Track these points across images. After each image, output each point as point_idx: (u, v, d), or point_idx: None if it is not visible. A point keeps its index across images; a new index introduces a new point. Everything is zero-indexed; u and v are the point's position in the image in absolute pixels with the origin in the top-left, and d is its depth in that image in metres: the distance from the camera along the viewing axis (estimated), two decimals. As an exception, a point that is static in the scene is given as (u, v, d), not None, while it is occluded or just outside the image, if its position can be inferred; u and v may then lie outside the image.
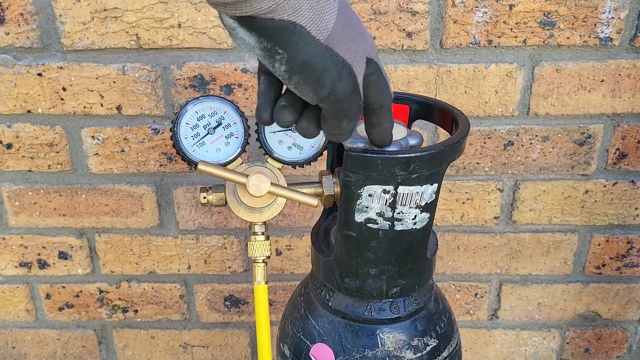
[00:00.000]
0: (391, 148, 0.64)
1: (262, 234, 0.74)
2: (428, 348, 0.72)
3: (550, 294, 1.23)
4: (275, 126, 0.72)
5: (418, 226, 0.66)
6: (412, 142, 0.67)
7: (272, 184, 0.68)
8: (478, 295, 1.23)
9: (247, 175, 0.68)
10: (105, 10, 0.99)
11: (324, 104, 0.52)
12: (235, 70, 1.03)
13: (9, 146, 1.09)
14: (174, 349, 1.30)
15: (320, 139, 0.73)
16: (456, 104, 1.05)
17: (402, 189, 0.62)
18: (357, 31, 0.50)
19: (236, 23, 0.46)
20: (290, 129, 0.73)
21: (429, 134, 1.07)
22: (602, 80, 1.04)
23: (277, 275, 1.22)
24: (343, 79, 0.49)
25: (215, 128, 0.72)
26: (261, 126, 0.72)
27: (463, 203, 1.14)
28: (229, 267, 1.21)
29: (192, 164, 0.71)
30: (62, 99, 1.05)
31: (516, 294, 1.23)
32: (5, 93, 1.05)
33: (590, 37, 1.01)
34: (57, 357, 1.31)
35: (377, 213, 0.64)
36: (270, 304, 1.24)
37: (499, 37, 1.01)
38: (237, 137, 0.72)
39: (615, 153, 1.09)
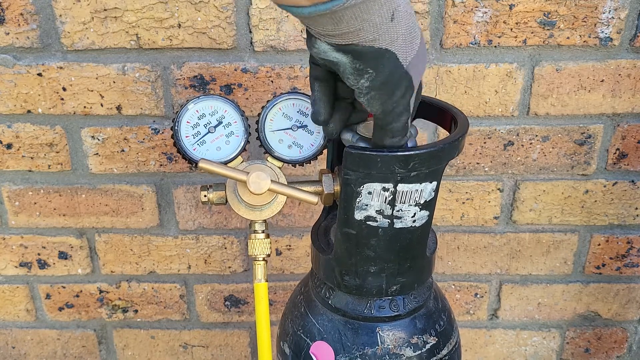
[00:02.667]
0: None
1: (262, 232, 0.74)
2: (427, 346, 0.72)
3: (550, 294, 1.23)
4: (275, 125, 0.73)
5: (417, 224, 0.66)
6: (409, 143, 0.67)
7: (272, 181, 0.68)
8: (478, 295, 1.23)
9: (248, 173, 0.68)
10: (105, 10, 0.99)
11: (381, 115, 0.59)
12: (235, 70, 1.03)
13: (9, 146, 1.09)
14: (174, 349, 1.30)
15: (320, 138, 0.73)
16: (456, 104, 1.05)
17: (401, 187, 0.62)
18: (424, 55, 0.57)
19: (333, 48, 0.53)
20: (290, 129, 0.73)
21: (429, 133, 1.08)
22: (602, 80, 1.04)
23: (277, 275, 1.22)
24: (405, 97, 0.57)
25: (215, 127, 0.72)
26: (261, 125, 0.72)
27: (463, 203, 1.14)
28: (229, 267, 1.21)
29: (192, 162, 0.71)
30: (62, 99, 1.05)
31: (516, 294, 1.23)
32: (5, 93, 1.05)
33: (590, 37, 1.01)
34: (57, 357, 1.31)
35: (376, 211, 0.64)
36: (270, 304, 1.24)
37: (499, 37, 1.01)
38: (237, 136, 0.72)
39: (615, 153, 1.09)
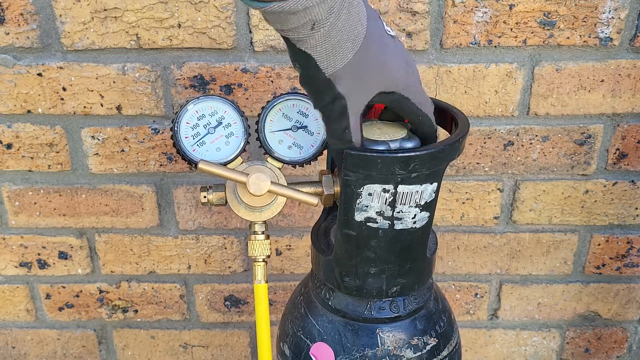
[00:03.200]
0: (392, 146, 0.65)
1: (262, 233, 0.74)
2: (428, 347, 0.72)
3: (550, 294, 1.23)
4: (275, 126, 0.72)
5: (418, 225, 0.66)
6: (409, 144, 0.67)
7: (272, 182, 0.68)
8: (478, 295, 1.23)
9: (248, 174, 0.68)
10: (105, 10, 0.99)
11: (322, 117, 0.63)
12: (235, 70, 1.03)
13: (9, 146, 1.09)
14: (174, 349, 1.30)
15: (320, 138, 0.73)
16: (456, 104, 1.05)
17: (401, 188, 0.62)
18: (375, 69, 0.59)
19: (280, 32, 0.57)
20: (290, 129, 0.73)
21: (429, 133, 1.07)
22: (602, 80, 1.04)
23: (277, 275, 1.22)
24: (334, 105, 0.59)
25: (215, 127, 0.72)
26: (261, 126, 0.72)
27: (463, 203, 1.14)
28: (229, 267, 1.21)
29: (192, 163, 0.71)
30: (62, 99, 1.05)
31: (516, 294, 1.23)
32: (5, 93, 1.05)
33: (590, 37, 1.01)
34: (57, 357, 1.31)
35: (376, 212, 0.64)
36: (270, 304, 1.24)
37: (499, 37, 1.01)
38: (237, 137, 0.72)
39: (615, 153, 1.09)
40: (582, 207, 1.14)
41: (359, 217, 0.64)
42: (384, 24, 0.60)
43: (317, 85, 0.58)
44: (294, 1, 0.50)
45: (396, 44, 0.61)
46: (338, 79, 0.57)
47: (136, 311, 1.25)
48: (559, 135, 1.08)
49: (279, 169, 0.73)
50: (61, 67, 1.03)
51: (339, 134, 0.61)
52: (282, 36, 0.57)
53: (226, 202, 0.73)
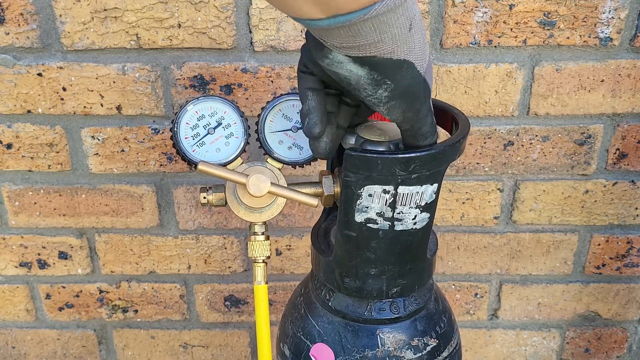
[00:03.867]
0: (392, 147, 0.65)
1: (262, 234, 0.74)
2: (428, 348, 0.72)
3: (550, 294, 1.23)
4: (275, 126, 0.72)
5: (418, 226, 0.66)
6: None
7: (272, 184, 0.68)
8: (478, 295, 1.23)
9: (247, 175, 0.68)
10: (105, 10, 0.99)
11: (406, 124, 0.59)
12: (235, 70, 1.03)
13: (9, 146, 1.09)
14: (174, 349, 1.30)
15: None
16: (456, 104, 1.05)
17: (402, 189, 0.62)
18: (430, 58, 0.56)
19: (349, 59, 0.51)
20: (290, 130, 0.73)
21: (429, 134, 1.07)
22: (602, 80, 1.04)
23: (277, 275, 1.22)
24: (426, 102, 0.57)
25: (215, 128, 0.71)
26: (261, 126, 0.72)
27: (463, 203, 1.14)
28: (229, 267, 1.21)
29: (192, 164, 0.71)
30: (62, 99, 1.05)
31: (516, 294, 1.23)
32: (5, 93, 1.05)
33: (590, 37, 1.01)
34: (57, 357, 1.31)
35: (377, 213, 0.64)
36: (270, 304, 1.24)
37: (499, 37, 1.01)
38: (237, 137, 0.72)
39: (615, 153, 1.09)
40: (582, 207, 1.14)
41: (359, 218, 0.64)
42: None
43: (412, 91, 0.55)
44: (391, 3, 0.45)
45: None
46: (427, 75, 0.55)
47: (136, 311, 1.25)
48: (559, 135, 1.08)
49: (279, 169, 0.73)
50: (61, 67, 1.03)
51: (429, 131, 0.61)
52: (360, 61, 0.51)
53: (226, 202, 0.73)
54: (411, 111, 0.57)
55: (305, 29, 0.57)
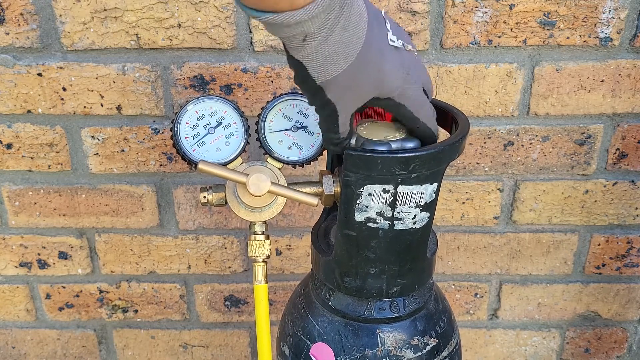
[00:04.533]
0: (392, 146, 0.65)
1: (262, 233, 0.74)
2: (428, 347, 0.72)
3: (550, 294, 1.23)
4: (275, 126, 0.72)
5: (418, 225, 0.66)
6: (409, 145, 0.67)
7: (272, 183, 0.68)
8: (478, 295, 1.23)
9: (247, 175, 0.68)
10: (105, 10, 0.99)
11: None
12: (235, 70, 1.03)
13: (9, 146, 1.09)
14: (174, 349, 1.30)
15: (320, 139, 0.73)
16: (456, 104, 1.05)
17: (402, 189, 0.62)
18: (368, 80, 0.60)
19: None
20: (290, 129, 0.73)
21: (429, 133, 1.07)
22: (602, 80, 1.04)
23: (277, 275, 1.22)
24: (325, 109, 0.61)
25: (215, 128, 0.72)
26: (261, 126, 0.72)
27: (463, 203, 1.14)
28: (229, 267, 1.21)
29: (192, 163, 0.71)
30: (62, 99, 1.05)
31: (516, 294, 1.23)
32: (5, 93, 1.05)
33: (590, 37, 1.01)
34: (57, 357, 1.31)
35: (377, 212, 0.64)
36: (270, 304, 1.24)
37: (499, 37, 1.01)
38: (237, 137, 0.72)
39: (615, 153, 1.09)
40: (582, 207, 1.14)
41: (359, 217, 0.64)
42: (390, 32, 0.61)
43: (308, 89, 0.60)
44: (286, 15, 0.52)
45: (399, 53, 0.62)
46: (329, 87, 0.59)
47: (136, 311, 1.25)
48: (559, 135, 1.08)
49: (279, 169, 0.73)
50: (61, 67, 1.03)
51: (328, 134, 0.63)
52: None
53: (226, 202, 0.73)
54: (312, 105, 0.62)
55: None
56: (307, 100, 0.71)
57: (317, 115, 0.64)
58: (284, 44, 0.58)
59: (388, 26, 0.61)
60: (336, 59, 0.57)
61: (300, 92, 0.72)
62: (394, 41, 0.61)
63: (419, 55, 0.65)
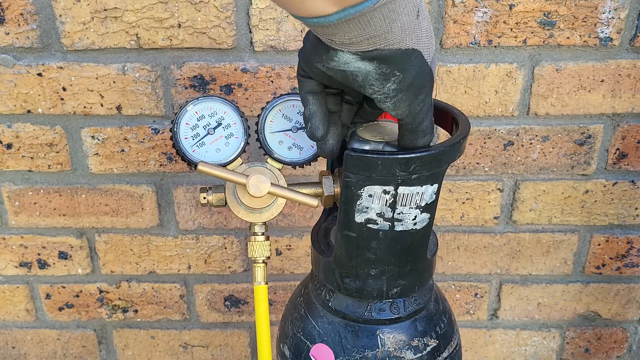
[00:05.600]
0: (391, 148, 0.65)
1: (262, 234, 0.74)
2: (428, 348, 0.72)
3: (550, 294, 1.23)
4: (275, 126, 0.72)
5: (418, 226, 0.66)
6: None
7: (272, 184, 0.68)
8: (478, 295, 1.23)
9: (247, 176, 0.68)
10: (105, 10, 0.99)
11: (410, 117, 0.58)
12: (235, 70, 1.03)
13: (9, 146, 1.09)
14: (174, 349, 1.30)
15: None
16: (456, 104, 1.05)
17: (402, 190, 0.62)
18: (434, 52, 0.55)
19: (356, 57, 0.51)
20: (290, 130, 0.73)
21: (429, 134, 1.07)
22: (602, 80, 1.04)
23: (277, 275, 1.22)
24: (430, 94, 0.56)
25: (215, 128, 0.71)
26: (261, 126, 0.72)
27: (463, 203, 1.14)
28: (229, 267, 1.21)
29: (191, 164, 0.71)
30: (62, 99, 1.05)
31: (516, 294, 1.23)
32: (5, 93, 1.05)
33: (590, 37, 1.01)
34: (57, 357, 1.31)
35: (377, 213, 0.64)
36: (270, 304, 1.24)
37: (499, 37, 1.01)
38: (236, 138, 0.72)
39: (615, 153, 1.09)
40: (582, 207, 1.14)
41: (359, 218, 0.64)
42: None
43: (419, 81, 0.54)
44: None
45: None
46: (433, 65, 0.55)
47: (136, 311, 1.25)
48: (559, 135, 1.08)
49: (279, 169, 0.73)
50: (61, 67, 1.03)
51: (429, 127, 0.59)
52: (367, 56, 0.51)
53: (226, 203, 0.73)
54: (417, 103, 0.56)
55: (306, 31, 0.57)
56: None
57: (420, 117, 0.58)
58: (378, 56, 0.50)
59: None
60: (431, 28, 0.52)
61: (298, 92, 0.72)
62: None
63: None
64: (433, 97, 0.93)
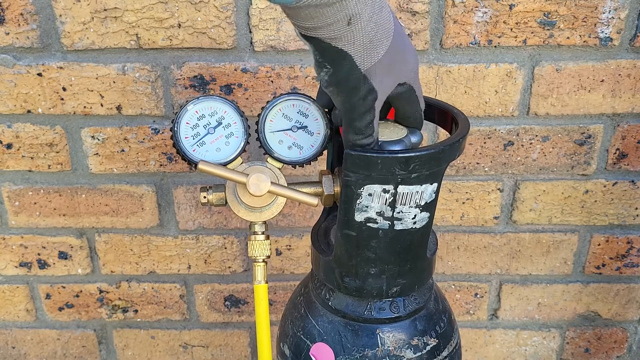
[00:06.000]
0: (393, 147, 0.65)
1: (262, 233, 0.74)
2: (428, 347, 0.72)
3: (550, 294, 1.23)
4: (275, 126, 0.72)
5: (418, 225, 0.66)
6: (414, 139, 0.68)
7: (272, 183, 0.68)
8: (478, 295, 1.23)
9: (247, 175, 0.68)
10: (105, 10, 0.99)
11: (343, 112, 0.61)
12: (235, 70, 1.03)
13: (9, 146, 1.09)
14: (174, 349, 1.30)
15: (320, 139, 0.73)
16: (456, 104, 1.05)
17: (402, 189, 0.62)
18: (399, 61, 0.59)
19: (301, 35, 0.56)
20: (290, 129, 0.73)
21: (429, 133, 1.07)
22: (602, 80, 1.04)
23: (277, 275, 1.22)
24: (366, 100, 0.59)
25: (215, 128, 0.71)
26: (261, 126, 0.72)
27: (463, 203, 1.14)
28: (229, 267, 1.21)
29: (192, 163, 0.71)
30: (62, 99, 1.05)
31: (516, 294, 1.23)
32: (5, 93, 1.05)
33: (590, 37, 1.01)
34: (57, 357, 1.31)
35: (377, 212, 0.64)
36: (270, 304, 1.24)
37: (499, 37, 1.01)
38: (237, 137, 0.72)
39: (615, 153, 1.09)
40: (582, 207, 1.14)
41: (359, 217, 0.64)
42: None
43: (350, 82, 0.57)
44: None
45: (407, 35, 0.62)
46: (372, 74, 0.57)
47: (136, 311, 1.25)
48: (559, 135, 1.08)
49: (279, 169, 0.73)
50: (61, 67, 1.03)
51: (363, 128, 0.61)
52: (307, 38, 0.55)
53: (226, 202, 0.73)
54: (350, 102, 0.59)
55: None
56: (308, 101, 0.71)
57: (349, 116, 0.61)
58: (314, 40, 0.55)
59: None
60: (379, 39, 0.55)
61: (300, 92, 0.72)
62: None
63: None
64: (433, 96, 0.93)
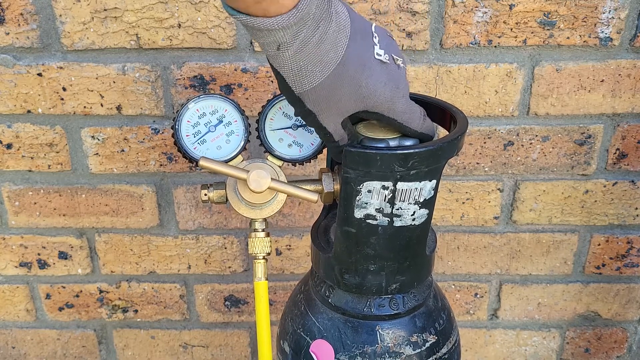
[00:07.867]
0: (391, 144, 0.65)
1: (263, 230, 0.74)
2: (427, 344, 0.72)
3: (550, 294, 1.23)
4: (275, 124, 0.73)
5: (417, 222, 0.66)
6: (407, 143, 0.67)
7: (272, 179, 0.68)
8: (478, 295, 1.23)
9: (248, 171, 0.68)
10: (105, 10, 0.99)
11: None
12: (235, 70, 1.03)
13: (9, 146, 1.09)
14: (174, 349, 1.30)
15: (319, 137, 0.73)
16: (456, 104, 1.06)
17: (401, 185, 0.62)
18: (350, 92, 0.60)
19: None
20: (290, 127, 0.73)
21: (429, 133, 1.07)
22: (602, 80, 1.04)
23: (277, 275, 1.22)
24: (306, 118, 0.62)
25: (216, 126, 0.72)
26: (262, 124, 0.72)
27: (463, 203, 1.14)
28: (229, 267, 1.21)
29: (193, 161, 0.71)
30: (62, 99, 1.06)
31: (516, 294, 1.23)
32: (5, 93, 1.05)
33: (590, 37, 1.01)
34: (57, 357, 1.31)
35: (376, 209, 0.64)
36: (270, 304, 1.24)
37: (499, 37, 1.01)
38: (237, 135, 0.72)
39: (615, 153, 1.09)
40: (582, 207, 1.14)
41: (358, 214, 0.65)
42: (377, 46, 0.60)
43: (289, 97, 0.60)
44: (258, 20, 0.52)
45: (385, 68, 0.61)
46: (307, 98, 0.59)
47: (136, 311, 1.25)
48: (559, 135, 1.08)
49: (279, 167, 0.73)
50: (61, 67, 1.03)
51: (322, 137, 0.64)
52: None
53: (227, 199, 0.73)
54: (297, 113, 0.63)
55: None
56: None
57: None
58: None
59: (376, 40, 0.61)
60: (312, 70, 0.57)
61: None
62: (380, 55, 0.60)
63: (405, 67, 0.65)
64: (433, 96, 0.93)
